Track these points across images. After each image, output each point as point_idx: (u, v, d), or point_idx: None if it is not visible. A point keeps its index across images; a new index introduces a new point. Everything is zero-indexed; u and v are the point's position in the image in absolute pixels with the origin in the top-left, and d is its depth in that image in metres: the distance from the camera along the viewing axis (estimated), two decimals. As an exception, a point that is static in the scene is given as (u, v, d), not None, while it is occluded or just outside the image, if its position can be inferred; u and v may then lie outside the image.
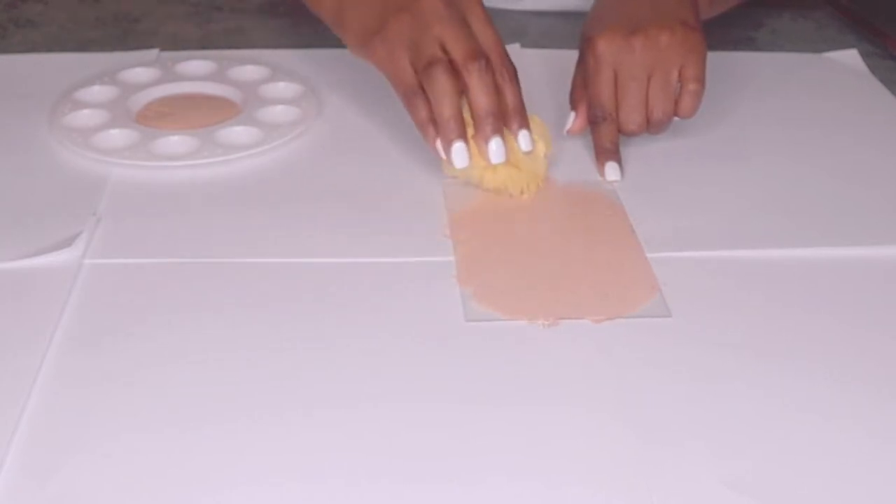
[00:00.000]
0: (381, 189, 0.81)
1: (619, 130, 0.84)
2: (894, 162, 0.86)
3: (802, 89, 0.98)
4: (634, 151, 0.86)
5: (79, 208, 0.78)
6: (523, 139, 0.78)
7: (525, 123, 0.78)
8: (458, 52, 0.76)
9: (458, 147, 0.76)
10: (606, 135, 0.83)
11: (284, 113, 0.90)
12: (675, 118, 0.84)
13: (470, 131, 0.77)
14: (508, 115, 0.78)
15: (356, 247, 0.74)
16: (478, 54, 0.76)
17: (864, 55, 1.03)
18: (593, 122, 0.84)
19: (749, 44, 1.06)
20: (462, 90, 0.77)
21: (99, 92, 0.92)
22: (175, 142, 0.85)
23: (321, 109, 0.91)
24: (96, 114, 0.89)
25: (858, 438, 0.59)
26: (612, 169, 0.82)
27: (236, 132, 0.87)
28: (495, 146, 0.76)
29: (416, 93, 0.77)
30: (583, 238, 0.76)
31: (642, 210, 0.79)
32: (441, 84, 0.76)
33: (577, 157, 0.85)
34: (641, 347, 0.66)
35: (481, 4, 0.80)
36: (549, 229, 0.77)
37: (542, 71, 0.97)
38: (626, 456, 0.58)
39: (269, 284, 0.71)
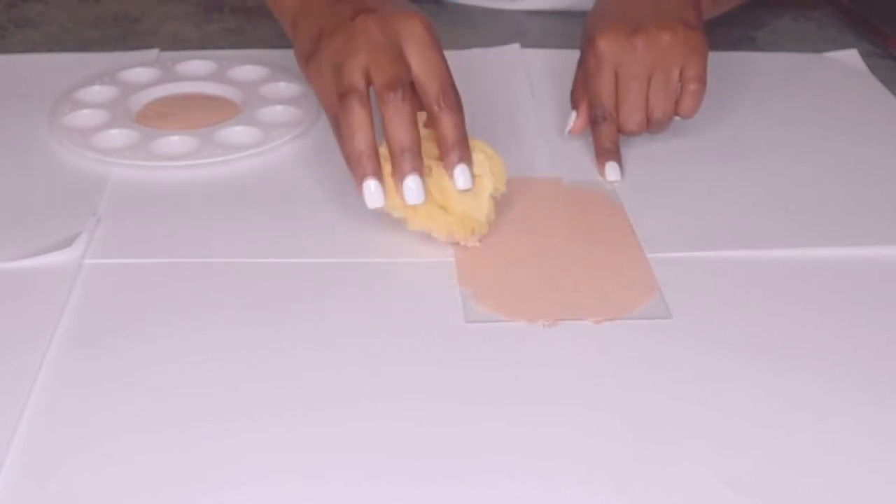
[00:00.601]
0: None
1: (620, 130, 0.83)
2: (894, 162, 0.86)
3: (803, 89, 0.98)
4: (634, 151, 0.86)
5: (79, 208, 0.78)
6: (460, 175, 0.71)
7: (465, 157, 0.72)
8: (378, 80, 0.71)
9: (369, 185, 0.71)
10: (607, 135, 0.83)
11: (284, 113, 0.90)
12: (676, 118, 0.84)
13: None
14: (445, 146, 0.72)
15: (356, 247, 0.74)
16: (395, 84, 0.71)
17: (864, 55, 1.03)
18: (594, 122, 0.84)
19: (749, 44, 1.06)
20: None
21: (99, 92, 0.92)
22: (175, 142, 0.85)
23: (321, 109, 0.91)
24: (96, 114, 0.89)
25: (858, 438, 0.59)
26: (612, 169, 0.82)
27: (236, 132, 0.87)
28: (412, 184, 0.70)
29: (338, 123, 0.73)
30: (583, 238, 0.76)
31: (642, 210, 0.79)
32: (353, 116, 0.71)
33: (577, 157, 0.85)
34: (641, 348, 0.66)
35: (423, 24, 0.74)
36: (549, 229, 0.77)
37: (542, 71, 0.97)
38: (626, 456, 0.58)
39: (269, 284, 0.71)
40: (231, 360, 0.64)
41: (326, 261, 0.73)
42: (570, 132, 0.85)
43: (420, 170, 0.71)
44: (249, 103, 0.91)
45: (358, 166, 0.71)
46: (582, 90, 0.85)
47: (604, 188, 0.82)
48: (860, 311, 0.69)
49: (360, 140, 0.71)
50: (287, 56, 0.99)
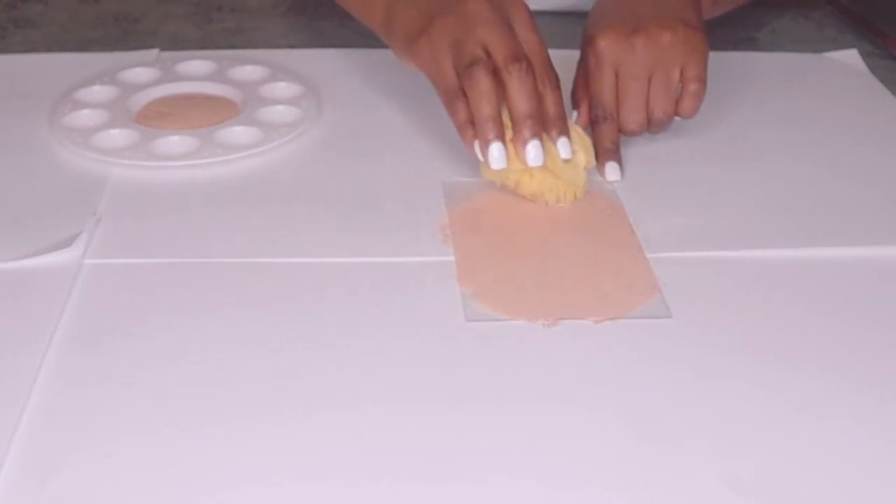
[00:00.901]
0: (381, 189, 0.81)
1: (620, 130, 0.84)
2: (894, 162, 0.86)
3: (803, 89, 0.98)
4: (635, 151, 0.86)
5: (79, 208, 0.78)
6: (562, 146, 0.77)
7: (565, 131, 0.77)
8: (499, 53, 0.76)
9: (496, 147, 0.76)
10: (607, 135, 0.83)
11: (284, 113, 0.90)
12: (676, 118, 0.84)
13: (509, 135, 0.76)
14: (548, 121, 0.77)
15: (356, 247, 0.74)
16: (519, 57, 0.76)
17: (864, 55, 1.03)
18: (594, 122, 0.84)
19: (750, 44, 1.06)
20: (502, 93, 0.76)
21: (99, 92, 0.92)
22: (175, 142, 0.85)
23: (321, 109, 0.91)
24: (96, 114, 0.89)
25: (859, 438, 0.59)
26: (612, 169, 0.82)
27: (236, 132, 0.87)
28: (533, 149, 0.76)
29: (456, 94, 0.77)
30: (583, 238, 0.76)
31: (642, 210, 0.79)
32: (481, 85, 0.75)
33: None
34: (641, 347, 0.66)
35: (526, 9, 0.80)
36: (549, 229, 0.77)
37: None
38: (626, 456, 0.58)
39: (269, 284, 0.71)
40: (231, 360, 0.64)
41: (326, 261, 0.73)
42: None
43: (541, 136, 0.76)
44: (249, 103, 0.91)
45: (484, 130, 0.76)
46: (582, 90, 0.85)
47: (604, 188, 0.82)
48: (860, 310, 0.69)
49: (487, 106, 0.75)
50: (287, 56, 0.99)
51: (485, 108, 0.75)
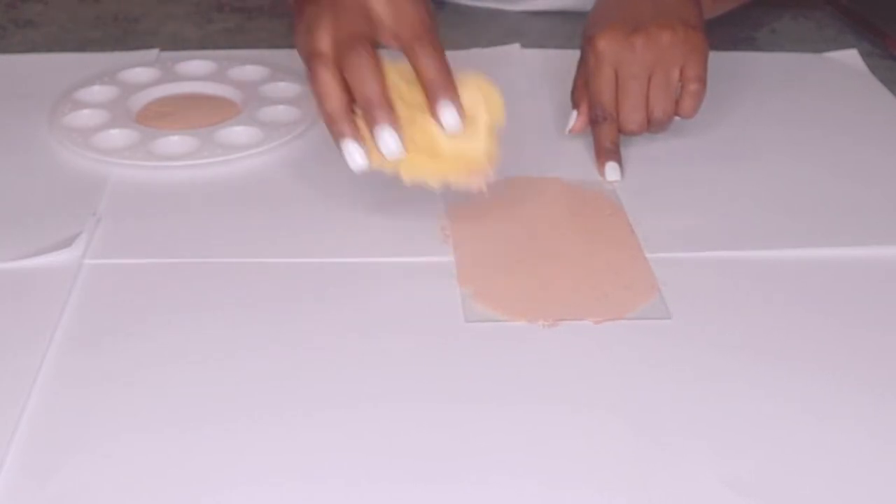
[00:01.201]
0: (380, 189, 0.81)
1: (620, 130, 0.83)
2: (894, 162, 0.86)
3: (803, 89, 0.98)
4: (634, 151, 0.86)
5: (79, 208, 0.78)
6: (445, 115, 0.69)
7: (448, 95, 0.69)
8: (337, 42, 0.71)
9: (347, 146, 0.71)
10: (607, 135, 0.83)
11: (284, 113, 0.90)
12: (676, 118, 0.84)
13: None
14: (426, 89, 0.70)
15: (356, 247, 0.74)
16: (352, 41, 0.70)
17: (864, 55, 1.03)
18: (594, 122, 0.84)
19: (749, 44, 1.06)
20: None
21: (99, 92, 0.92)
22: (175, 142, 0.85)
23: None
24: (96, 114, 0.89)
25: (859, 438, 0.59)
26: (612, 169, 0.82)
27: (236, 132, 0.87)
28: (386, 136, 0.69)
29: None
30: (583, 238, 0.76)
31: (642, 210, 0.79)
32: (316, 80, 0.71)
33: (578, 156, 0.85)
34: (641, 348, 0.66)
35: None
36: (549, 229, 0.77)
37: (543, 71, 0.97)
38: (626, 456, 0.58)
39: (269, 284, 0.71)
40: (231, 360, 0.64)
41: (326, 261, 0.73)
42: (570, 132, 0.85)
43: (391, 120, 0.69)
44: (249, 103, 0.91)
45: (332, 129, 0.71)
46: (582, 90, 0.85)
47: (604, 188, 0.82)
48: (860, 310, 0.69)
49: (328, 102, 0.70)
50: (287, 56, 0.99)
51: (327, 104, 0.70)
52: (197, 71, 0.96)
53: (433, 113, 0.70)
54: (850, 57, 1.03)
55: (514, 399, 0.62)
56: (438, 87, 0.70)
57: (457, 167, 0.70)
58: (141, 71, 0.95)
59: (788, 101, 0.95)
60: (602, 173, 0.82)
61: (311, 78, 0.71)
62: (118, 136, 0.86)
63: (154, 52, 1.01)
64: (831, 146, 0.88)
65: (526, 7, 1.12)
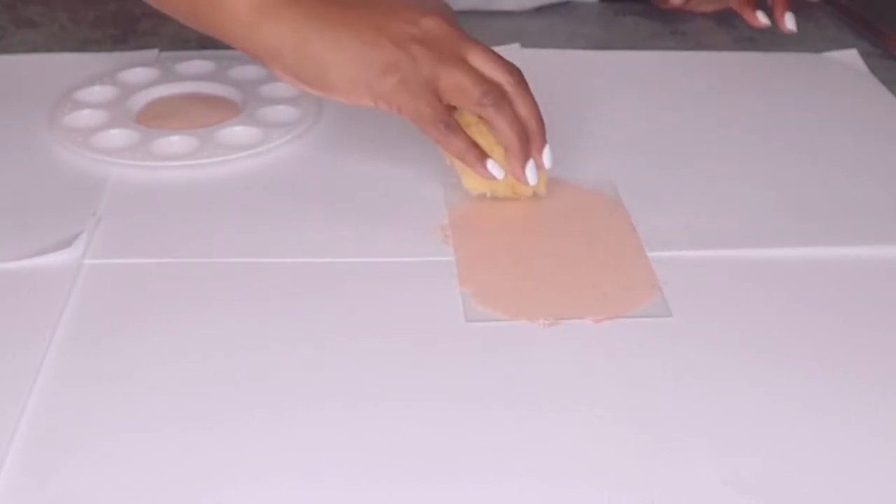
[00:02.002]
0: (380, 189, 0.81)
1: None
2: (894, 162, 0.86)
3: (802, 89, 0.98)
4: (635, 151, 0.86)
5: (79, 208, 0.78)
6: (546, 157, 0.78)
7: (544, 142, 0.78)
8: (475, 88, 0.75)
9: (532, 165, 0.77)
10: None
11: (284, 113, 0.90)
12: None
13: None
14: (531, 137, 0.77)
15: (356, 247, 0.74)
16: (491, 86, 0.75)
17: (864, 55, 1.03)
18: None
19: (749, 44, 1.06)
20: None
21: (99, 92, 0.92)
22: (175, 142, 0.85)
23: (321, 109, 0.91)
24: (96, 114, 0.89)
25: (859, 438, 0.59)
26: (790, 18, 0.98)
27: (236, 132, 0.87)
28: (531, 169, 0.77)
29: (451, 125, 0.76)
30: (583, 237, 0.76)
31: (643, 209, 0.78)
32: (506, 108, 0.76)
33: (578, 156, 0.85)
34: (642, 347, 0.66)
35: (472, 42, 0.78)
36: (550, 229, 0.77)
37: (542, 71, 0.96)
38: (627, 455, 0.58)
39: (269, 284, 0.71)
40: (231, 359, 0.64)
41: (326, 261, 0.73)
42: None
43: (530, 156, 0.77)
44: (249, 103, 0.91)
45: (476, 152, 0.76)
46: None
47: (604, 188, 0.82)
48: (861, 309, 0.69)
49: (512, 134, 0.76)
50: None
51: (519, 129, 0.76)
52: (197, 71, 0.96)
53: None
54: (850, 57, 1.03)
55: (515, 398, 0.62)
56: (540, 137, 0.77)
57: (510, 189, 0.79)
58: (141, 71, 0.95)
59: (788, 101, 0.95)
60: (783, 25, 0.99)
61: (497, 107, 0.74)
62: (118, 136, 0.86)
63: (154, 52, 1.01)
64: (831, 146, 0.88)
65: (525, 6, 1.11)
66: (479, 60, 0.76)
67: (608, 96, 0.94)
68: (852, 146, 0.88)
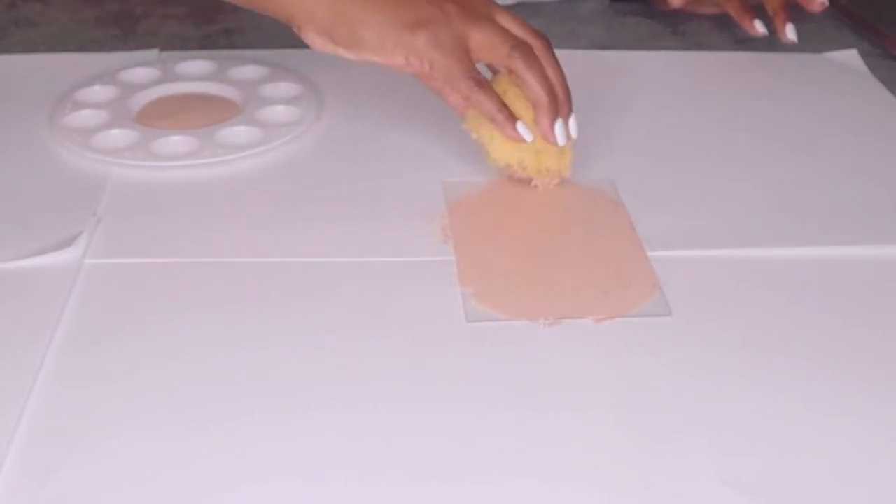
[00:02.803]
0: (381, 189, 0.81)
1: None
2: (894, 162, 0.86)
3: (802, 89, 0.98)
4: (635, 150, 0.86)
5: (79, 208, 0.78)
6: (572, 125, 0.78)
7: (571, 110, 0.79)
8: (505, 43, 0.77)
9: (561, 124, 0.78)
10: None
11: (284, 113, 0.90)
12: None
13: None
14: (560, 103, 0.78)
15: (356, 247, 0.74)
16: (523, 42, 0.77)
17: (864, 55, 1.03)
18: None
19: (750, 44, 1.06)
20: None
21: (99, 92, 0.92)
22: (175, 142, 0.85)
23: (321, 109, 0.91)
24: (96, 114, 0.89)
25: (859, 437, 0.59)
26: (791, 29, 0.97)
27: (236, 132, 0.87)
28: (560, 128, 0.77)
29: (481, 81, 0.77)
30: (583, 237, 0.76)
31: (643, 208, 0.78)
32: (536, 63, 0.77)
33: (578, 156, 0.85)
34: (642, 346, 0.66)
35: (498, 7, 0.79)
36: (550, 228, 0.77)
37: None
38: (627, 455, 0.58)
39: (269, 284, 0.71)
40: (231, 359, 0.64)
41: (326, 260, 0.73)
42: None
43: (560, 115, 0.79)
44: (249, 103, 0.91)
45: (559, 107, 0.78)
46: None
47: (604, 187, 0.82)
48: (861, 309, 0.69)
49: (543, 89, 0.77)
50: (287, 56, 0.99)
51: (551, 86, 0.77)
52: (197, 71, 0.96)
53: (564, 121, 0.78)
54: (850, 57, 1.03)
55: (515, 398, 0.62)
56: (568, 102, 0.78)
57: (561, 166, 0.80)
58: (141, 71, 0.95)
59: (789, 102, 0.95)
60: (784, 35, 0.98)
61: (527, 60, 0.76)
62: (118, 136, 0.86)
63: (154, 52, 1.01)
64: (831, 146, 0.88)
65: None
66: (509, 22, 0.78)
67: (608, 96, 0.94)
68: (852, 146, 0.88)
